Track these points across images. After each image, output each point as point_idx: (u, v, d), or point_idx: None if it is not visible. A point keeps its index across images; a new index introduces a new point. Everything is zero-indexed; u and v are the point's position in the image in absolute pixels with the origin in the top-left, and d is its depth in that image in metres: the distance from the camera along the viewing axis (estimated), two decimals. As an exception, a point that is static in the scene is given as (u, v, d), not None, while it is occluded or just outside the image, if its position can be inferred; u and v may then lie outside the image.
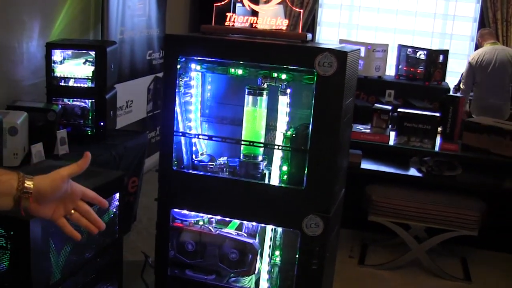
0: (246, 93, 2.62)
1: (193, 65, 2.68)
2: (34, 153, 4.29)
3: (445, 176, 4.97)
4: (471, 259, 5.17)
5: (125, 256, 4.51)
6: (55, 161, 4.48)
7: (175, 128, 2.63)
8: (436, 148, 5.01)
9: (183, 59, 2.61)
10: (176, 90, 2.59)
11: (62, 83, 4.45)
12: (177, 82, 2.59)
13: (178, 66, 2.56)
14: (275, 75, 2.57)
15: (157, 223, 2.72)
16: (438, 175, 5.03)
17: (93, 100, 4.78)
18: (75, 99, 4.84)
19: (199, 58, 2.61)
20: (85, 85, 4.38)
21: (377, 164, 5.22)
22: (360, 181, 5.07)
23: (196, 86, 2.82)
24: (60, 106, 4.70)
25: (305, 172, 2.47)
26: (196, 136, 2.75)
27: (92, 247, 2.75)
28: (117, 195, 2.81)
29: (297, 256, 2.57)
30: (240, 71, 2.61)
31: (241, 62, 2.57)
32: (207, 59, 2.59)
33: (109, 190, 2.77)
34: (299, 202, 2.51)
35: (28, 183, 1.60)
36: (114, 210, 2.82)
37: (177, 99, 2.61)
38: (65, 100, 4.74)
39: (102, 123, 4.92)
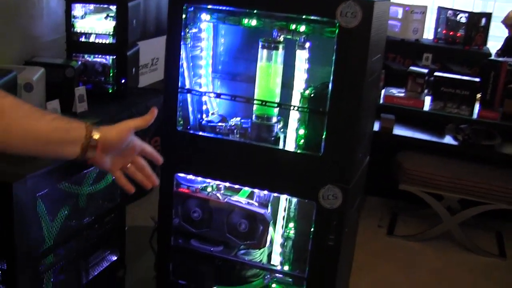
0: (259, 46, 2.29)
1: (203, 15, 2.36)
2: (49, 110, 4.03)
3: (482, 145, 4.58)
4: (507, 234, 4.79)
5: (141, 221, 4.26)
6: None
7: (180, 84, 2.30)
8: (474, 116, 4.63)
9: (192, 8, 2.29)
10: (182, 43, 2.26)
11: (82, 39, 4.22)
12: (183, 33, 2.26)
13: (184, 16, 2.24)
14: (293, 27, 2.24)
15: (160, 188, 2.41)
16: (475, 144, 4.65)
17: (114, 57, 4.47)
18: (96, 56, 4.56)
19: (207, 6, 2.27)
20: (106, 41, 4.11)
21: (410, 130, 4.85)
22: (392, 147, 4.71)
23: (207, 38, 2.49)
24: (79, 62, 4.41)
25: (323, 137, 2.13)
26: (203, 94, 2.43)
27: (92, 212, 2.45)
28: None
29: (312, 229, 2.24)
30: (253, 22, 2.27)
31: (254, 11, 2.23)
32: (216, 7, 2.26)
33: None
34: (316, 170, 2.20)
35: (96, 133, 1.60)
36: (116, 172, 2.51)
37: (183, 52, 2.28)
38: (86, 56, 4.44)
39: (123, 81, 4.64)
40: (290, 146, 2.32)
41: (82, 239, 2.43)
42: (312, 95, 2.25)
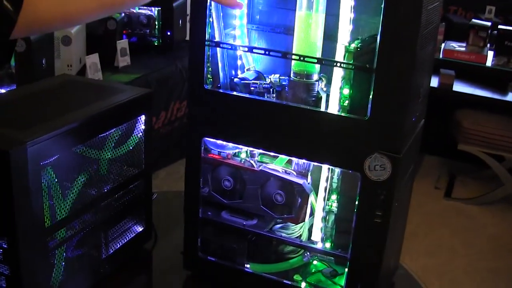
0: (298, -9, 1.90)
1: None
2: (88, 65, 3.75)
3: (548, 103, 4.09)
4: None
5: (172, 188, 3.95)
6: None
7: (208, 36, 1.93)
8: (540, 71, 4.13)
9: None
10: (210, -12, 1.89)
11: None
12: (211, -24, 1.89)
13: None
14: (337, -32, 1.84)
15: (186, 153, 2.07)
16: (540, 101, 4.17)
17: (160, 8, 4.12)
18: (141, 7, 4.22)
19: None
20: (150, -9, 3.70)
21: (471, 87, 4.40)
22: (451, 104, 4.27)
23: (241, -17, 2.10)
24: (123, 14, 4.07)
25: (370, 98, 1.74)
26: (234, 48, 2.05)
27: (114, 179, 2.14)
28: (143, 117, 2.17)
29: (356, 204, 1.87)
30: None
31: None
32: None
33: (131, 111, 2.13)
34: (362, 136, 1.85)
35: None
36: (140, 134, 2.18)
37: None
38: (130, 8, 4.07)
39: (169, 33, 4.33)
40: (333, 108, 1.95)
41: (102, 210, 2.12)
42: (358, 49, 1.87)
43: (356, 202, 1.90)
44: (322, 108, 1.98)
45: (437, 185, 4.51)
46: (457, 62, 4.27)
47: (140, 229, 2.35)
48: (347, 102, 1.93)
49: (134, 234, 2.32)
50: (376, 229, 1.90)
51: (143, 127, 2.22)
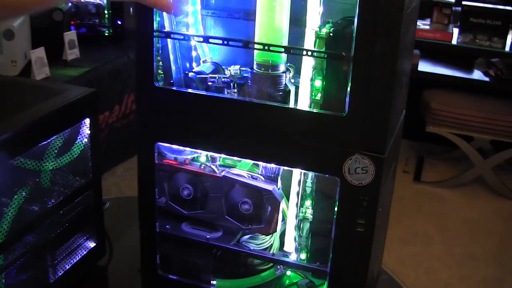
0: (258, -31, 1.60)
1: None
2: (34, 60, 3.40)
3: (516, 81, 3.88)
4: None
5: (126, 191, 3.63)
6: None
7: (156, 25, 1.62)
8: (507, 48, 4.00)
9: None
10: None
11: (72, -23, 3.45)
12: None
13: None
14: None
15: (138, 160, 1.76)
16: (508, 79, 3.96)
17: (109, -4, 3.77)
18: (89, -4, 3.87)
19: None
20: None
21: (437, 66, 4.16)
22: (417, 85, 4.01)
23: (192, -37, 1.79)
24: (70, 4, 3.71)
25: (348, 91, 1.45)
26: (186, 38, 1.74)
27: (59, 192, 1.82)
28: (87, 121, 1.85)
29: (335, 210, 1.58)
30: None
31: None
32: None
33: (74, 114, 1.81)
34: (339, 135, 1.56)
35: None
36: (85, 140, 1.86)
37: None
38: (77, -3, 3.73)
39: (119, 22, 3.97)
40: (304, 103, 1.65)
41: (47, 228, 1.81)
42: (330, 34, 1.57)
43: (335, 209, 1.61)
44: (291, 104, 1.68)
45: (406, 169, 4.27)
46: (421, 41, 4.01)
47: (91, 245, 2.04)
48: (319, 95, 1.64)
49: (85, 251, 2.01)
50: (359, 239, 1.62)
51: (88, 131, 1.90)
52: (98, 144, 1.96)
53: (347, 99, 1.50)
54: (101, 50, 3.93)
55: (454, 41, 4.03)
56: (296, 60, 1.74)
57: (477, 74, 4.08)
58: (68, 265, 1.93)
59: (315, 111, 1.61)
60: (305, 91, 1.66)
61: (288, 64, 1.73)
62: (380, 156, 1.53)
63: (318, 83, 1.63)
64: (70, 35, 3.69)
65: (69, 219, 1.91)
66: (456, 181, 4.07)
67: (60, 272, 1.90)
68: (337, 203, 1.60)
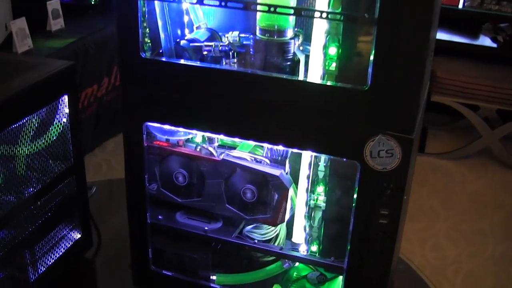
0: None
1: None
2: (15, 31, 3.08)
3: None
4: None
5: (114, 172, 3.37)
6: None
7: (141, -15, 1.34)
8: (517, 13, 3.65)
9: None
10: None
11: None
12: None
13: None
14: None
15: (124, 143, 1.49)
16: (517, 46, 3.68)
17: (95, -40, 3.45)
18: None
19: None
20: None
21: (442, 32, 3.85)
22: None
23: None
24: (53, -30, 3.38)
25: (371, 60, 1.18)
26: (178, 0, 1.45)
27: (36, 179, 1.55)
28: (66, 98, 1.57)
29: (354, 198, 1.32)
30: None
31: None
32: None
33: (50, 92, 1.54)
34: (359, 113, 1.29)
35: None
36: (64, 120, 1.58)
37: None
38: (60, -38, 3.39)
39: (107, -11, 3.64)
40: (315, 75, 1.36)
41: (25, 221, 1.54)
42: (348, -8, 1.29)
43: (354, 197, 1.35)
44: (301, 75, 1.41)
45: (408, 140, 4.00)
46: (425, 6, 3.71)
47: (76, 236, 1.78)
48: (334, 65, 1.36)
49: (70, 244, 1.75)
50: (382, 231, 1.36)
51: (67, 110, 1.62)
52: (79, 123, 1.70)
53: (370, 70, 1.23)
54: (87, 20, 3.61)
55: (460, 5, 3.74)
56: (305, 24, 1.47)
57: (484, 40, 3.81)
58: (51, 261, 1.68)
59: (330, 84, 1.33)
60: (317, 61, 1.38)
61: (296, 29, 1.45)
62: (408, 136, 1.27)
63: (333, 50, 1.35)
64: (54, 4, 3.39)
65: (50, 210, 1.66)
66: (461, 152, 3.80)
67: (42, 269, 1.65)
68: (356, 190, 1.34)
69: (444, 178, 3.67)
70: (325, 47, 1.36)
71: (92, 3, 3.70)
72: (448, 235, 3.19)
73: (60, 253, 1.71)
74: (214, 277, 1.61)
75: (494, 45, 3.73)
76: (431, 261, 3.00)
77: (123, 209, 1.64)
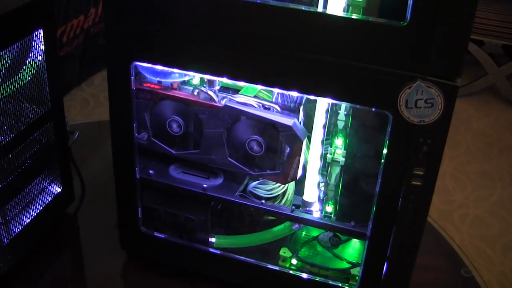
0: None
1: None
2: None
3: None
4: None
5: (96, 115, 3.12)
6: None
7: None
8: None
9: None
10: None
11: None
12: None
13: None
14: None
15: (108, 84, 1.23)
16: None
17: None
18: None
19: None
20: None
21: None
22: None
23: None
24: None
25: (411, -12, 0.94)
26: None
27: (8, 127, 1.32)
28: (40, 33, 1.30)
29: (383, 155, 1.08)
30: None
31: None
32: None
33: (20, 25, 1.26)
34: (394, 54, 1.04)
35: None
36: (40, 58, 1.32)
37: None
38: None
39: None
40: (339, 5, 1.10)
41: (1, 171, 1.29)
42: None
43: (384, 153, 1.10)
44: (320, 8, 1.14)
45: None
46: None
47: (57, 190, 1.54)
48: (363, -5, 1.09)
49: (49, 199, 1.51)
50: (415, 195, 1.12)
51: (42, 47, 1.35)
52: (57, 62, 1.42)
53: (410, 1, 0.96)
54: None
55: None
56: None
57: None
58: (27, 220, 1.44)
59: (355, 17, 1.07)
60: (340, -12, 1.11)
61: None
62: (452, 84, 1.02)
63: (361, -24, 1.08)
64: None
65: (24, 162, 1.41)
66: (466, 90, 3.58)
67: (17, 230, 1.41)
68: (387, 145, 1.10)
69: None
70: (352, -28, 1.09)
71: None
72: (454, 177, 3.00)
73: (38, 211, 1.47)
74: (213, 240, 1.38)
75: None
76: (437, 205, 2.81)
77: (110, 155, 1.39)
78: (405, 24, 0.99)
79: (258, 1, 1.12)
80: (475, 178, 2.98)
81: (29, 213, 1.45)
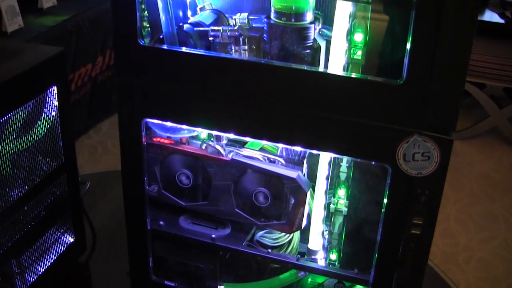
0: None
1: None
2: (4, 9, 2.88)
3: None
4: None
5: (108, 161, 3.18)
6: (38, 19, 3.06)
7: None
8: (525, -14, 3.43)
9: None
10: None
11: None
12: None
13: None
14: None
15: (120, 141, 1.29)
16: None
17: None
18: None
19: None
20: None
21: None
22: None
23: None
24: None
25: (407, 48, 0.98)
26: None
27: (23, 179, 1.37)
28: (54, 89, 1.37)
29: (384, 204, 1.14)
30: None
31: None
32: None
33: (37, 82, 1.34)
34: (392, 110, 1.11)
35: None
36: (54, 114, 1.39)
37: None
38: None
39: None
40: (338, 63, 1.17)
41: (11, 226, 1.36)
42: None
43: (384, 202, 1.16)
44: (321, 64, 1.21)
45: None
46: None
47: (70, 240, 1.59)
48: (359, 53, 1.16)
49: (62, 249, 1.57)
50: (415, 243, 1.17)
51: (56, 103, 1.43)
52: (69, 116, 1.50)
53: (406, 60, 1.04)
54: (83, -5, 3.41)
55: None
56: (325, 4, 1.27)
57: (491, 16, 3.62)
58: (41, 269, 1.50)
59: (357, 76, 1.14)
60: (340, 48, 1.19)
61: (316, 11, 1.25)
62: (447, 138, 1.08)
63: (359, 37, 1.16)
64: (45, -21, 3.17)
65: (39, 213, 1.47)
66: (469, 132, 3.63)
67: (32, 279, 1.46)
68: (387, 196, 1.15)
69: (451, 158, 3.50)
70: (350, 33, 1.17)
71: (87, -23, 3.48)
72: (458, 219, 3.03)
73: (52, 261, 1.52)
74: (221, 287, 1.43)
75: (502, 21, 3.54)
76: (442, 248, 2.84)
77: (121, 206, 1.45)
78: (402, 82, 1.06)
79: (263, 61, 1.20)
80: (479, 220, 3.02)
81: (43, 263, 1.50)
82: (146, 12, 1.26)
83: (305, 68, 1.16)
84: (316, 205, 1.35)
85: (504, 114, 3.55)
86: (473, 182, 3.30)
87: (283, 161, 1.31)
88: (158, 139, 1.36)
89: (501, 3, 3.65)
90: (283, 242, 1.43)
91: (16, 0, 2.96)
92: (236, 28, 1.28)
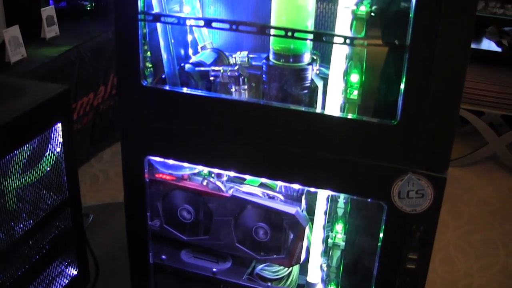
0: None
1: None
2: (7, 40, 2.93)
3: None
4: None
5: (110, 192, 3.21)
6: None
7: (141, 5, 1.18)
8: (522, 16, 3.49)
9: None
10: None
11: None
12: None
13: None
14: None
15: (124, 177, 1.33)
16: (522, 50, 3.54)
17: (90, -35, 3.30)
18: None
19: None
20: None
21: (445, 36, 3.68)
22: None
23: None
24: (47, -24, 3.23)
25: (401, 90, 1.03)
26: (181, 22, 1.28)
27: (27, 214, 1.40)
28: (59, 126, 1.41)
29: (379, 240, 1.17)
30: None
31: None
32: None
33: (42, 120, 1.38)
34: (386, 150, 1.14)
35: None
36: (58, 150, 1.43)
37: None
38: (55, -32, 3.24)
39: (103, -6, 3.49)
40: (334, 103, 1.22)
41: (16, 261, 1.38)
42: (372, 14, 1.13)
43: (380, 237, 1.20)
44: (319, 103, 1.25)
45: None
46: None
47: (73, 272, 1.62)
48: (356, 93, 1.21)
49: (65, 282, 1.59)
50: (410, 277, 1.21)
51: (60, 139, 1.47)
52: (73, 152, 1.54)
53: (400, 101, 1.08)
54: (82, 26, 3.46)
55: (463, 8, 3.60)
56: (322, 46, 1.31)
57: (488, 44, 3.67)
58: (44, 302, 1.53)
59: (353, 117, 1.18)
60: (336, 89, 1.23)
61: (314, 51, 1.30)
62: (440, 176, 1.12)
63: (355, 78, 1.20)
64: (48, 11, 3.23)
65: (43, 247, 1.50)
66: (468, 160, 3.67)
67: (34, 313, 1.49)
68: (382, 232, 1.19)
69: (450, 185, 3.53)
70: (346, 74, 1.21)
71: (88, 8, 3.55)
72: (457, 246, 3.06)
73: (56, 293, 1.56)
74: (223, 320, 1.46)
75: (499, 49, 3.59)
76: (442, 275, 2.87)
77: (123, 238, 1.49)
78: (396, 123, 1.10)
79: (262, 102, 1.24)
80: (479, 246, 3.05)
81: (47, 296, 1.54)
82: (149, 52, 1.31)
83: (303, 109, 1.20)
84: (314, 239, 1.39)
85: (503, 141, 3.58)
86: (472, 208, 3.33)
87: (282, 197, 1.35)
88: (161, 175, 1.40)
89: (498, 32, 3.71)
90: (282, 275, 1.46)
91: (19, 30, 3.02)
92: (236, 68, 1.32)
